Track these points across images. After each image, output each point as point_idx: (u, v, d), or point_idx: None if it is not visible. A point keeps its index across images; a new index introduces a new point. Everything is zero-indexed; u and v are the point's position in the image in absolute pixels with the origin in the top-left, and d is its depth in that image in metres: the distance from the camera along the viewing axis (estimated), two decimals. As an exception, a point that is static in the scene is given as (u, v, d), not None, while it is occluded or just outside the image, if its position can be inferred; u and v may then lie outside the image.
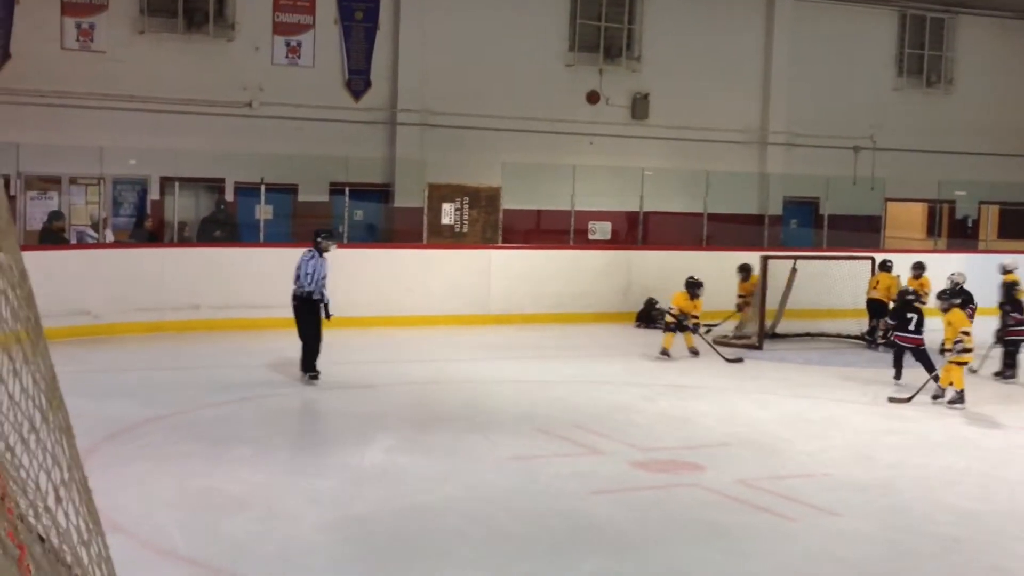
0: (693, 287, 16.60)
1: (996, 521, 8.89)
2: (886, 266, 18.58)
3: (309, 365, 13.67)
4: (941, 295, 14.27)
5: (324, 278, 13.77)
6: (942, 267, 22.98)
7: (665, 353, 16.35)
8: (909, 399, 13.47)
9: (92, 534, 2.46)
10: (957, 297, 14.47)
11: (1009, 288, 16.44)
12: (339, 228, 20.48)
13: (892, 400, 13.60)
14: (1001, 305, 15.86)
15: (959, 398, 13.31)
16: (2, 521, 2.25)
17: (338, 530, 8.11)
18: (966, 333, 13.31)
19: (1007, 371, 15.40)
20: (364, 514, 8.49)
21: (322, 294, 13.76)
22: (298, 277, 13.84)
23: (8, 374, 2.34)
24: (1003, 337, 15.50)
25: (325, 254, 13.94)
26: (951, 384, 13.38)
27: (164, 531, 7.83)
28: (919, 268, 18.18)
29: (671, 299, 16.81)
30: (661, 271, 19.24)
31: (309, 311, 13.71)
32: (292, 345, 16.52)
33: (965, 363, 13.55)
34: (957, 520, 8.85)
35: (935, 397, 13.54)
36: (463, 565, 7.53)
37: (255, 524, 8.15)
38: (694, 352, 16.53)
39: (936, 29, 27.26)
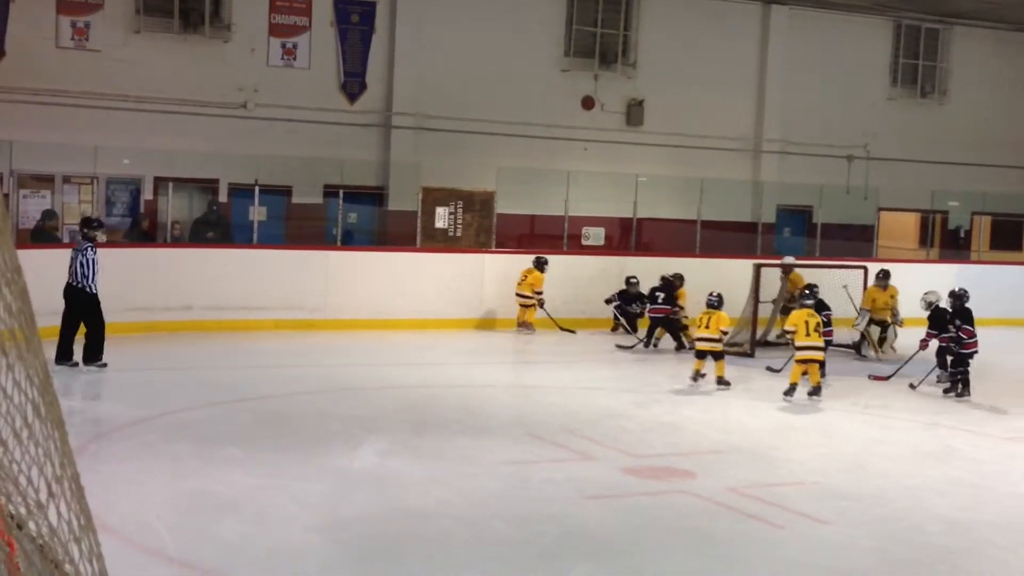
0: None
1: (986, 531, 8.89)
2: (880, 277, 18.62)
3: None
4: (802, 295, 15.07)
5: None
6: (933, 278, 23.10)
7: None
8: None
9: (84, 530, 2.45)
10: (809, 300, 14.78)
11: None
12: (332, 231, 20.49)
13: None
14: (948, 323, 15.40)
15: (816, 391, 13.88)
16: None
17: (329, 533, 8.09)
18: (788, 331, 14.39)
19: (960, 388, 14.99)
20: (355, 517, 8.47)
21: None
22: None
23: (2, 369, 2.33)
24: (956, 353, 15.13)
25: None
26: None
27: (154, 532, 7.80)
28: (885, 277, 18.32)
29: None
30: (655, 277, 19.21)
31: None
32: (284, 347, 16.52)
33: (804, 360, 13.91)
34: (947, 530, 8.85)
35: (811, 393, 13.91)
36: (454, 569, 7.51)
37: (245, 526, 8.13)
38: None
39: (930, 39, 27.32)
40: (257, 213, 19.94)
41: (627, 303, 19.26)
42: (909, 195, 26.00)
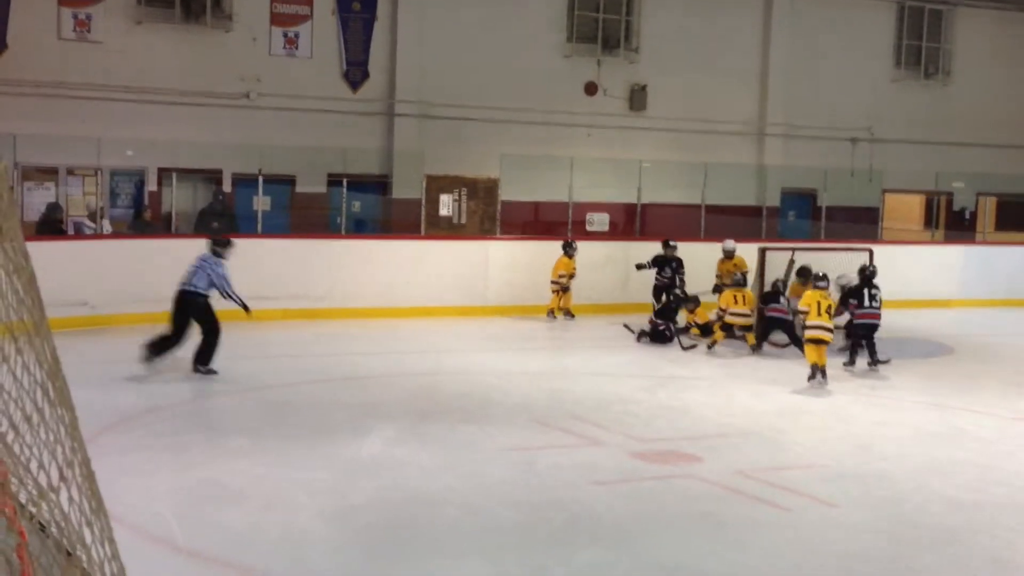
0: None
1: (993, 512, 8.89)
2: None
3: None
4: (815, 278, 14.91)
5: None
6: (939, 259, 23.07)
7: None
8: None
9: (95, 513, 2.46)
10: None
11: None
12: (337, 219, 20.48)
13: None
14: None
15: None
16: (5, 501, 2.25)
17: (336, 521, 8.11)
18: (800, 311, 14.38)
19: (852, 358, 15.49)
20: (362, 505, 8.49)
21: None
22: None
23: (13, 355, 2.33)
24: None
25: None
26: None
27: (162, 521, 7.82)
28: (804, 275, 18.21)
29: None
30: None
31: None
32: (290, 336, 16.55)
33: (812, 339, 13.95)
34: (954, 511, 8.85)
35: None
36: (461, 555, 7.53)
37: (253, 515, 8.15)
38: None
39: (934, 21, 27.25)
40: (261, 203, 19.94)
41: (660, 267, 19.09)
42: (914, 177, 25.98)
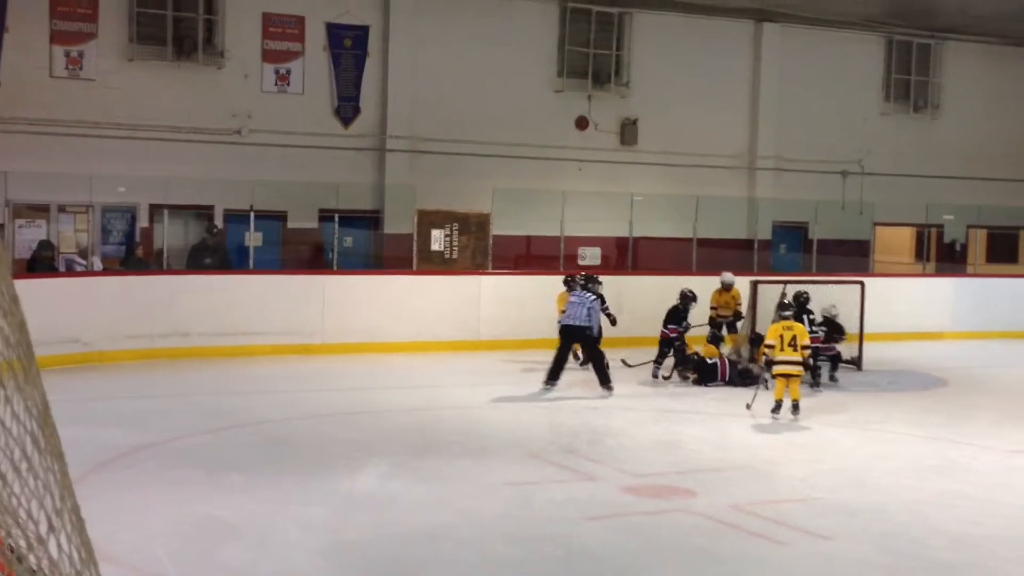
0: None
1: (990, 545, 8.85)
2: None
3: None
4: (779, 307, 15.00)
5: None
6: (930, 292, 23.11)
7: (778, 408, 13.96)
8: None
9: (85, 563, 2.43)
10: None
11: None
12: (328, 255, 20.47)
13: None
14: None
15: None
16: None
17: (332, 556, 8.06)
18: (767, 346, 14.07)
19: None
20: (357, 540, 8.44)
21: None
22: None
23: (3, 403, 2.31)
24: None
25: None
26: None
27: (156, 559, 7.76)
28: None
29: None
30: (652, 296, 19.17)
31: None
32: (281, 372, 16.51)
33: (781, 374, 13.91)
34: (951, 544, 8.82)
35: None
36: (456, 592, 7.48)
37: (248, 551, 8.09)
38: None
39: (922, 55, 27.42)
40: (253, 238, 19.92)
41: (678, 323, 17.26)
42: (904, 210, 26.04)
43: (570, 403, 14.90)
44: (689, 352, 16.92)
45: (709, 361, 16.56)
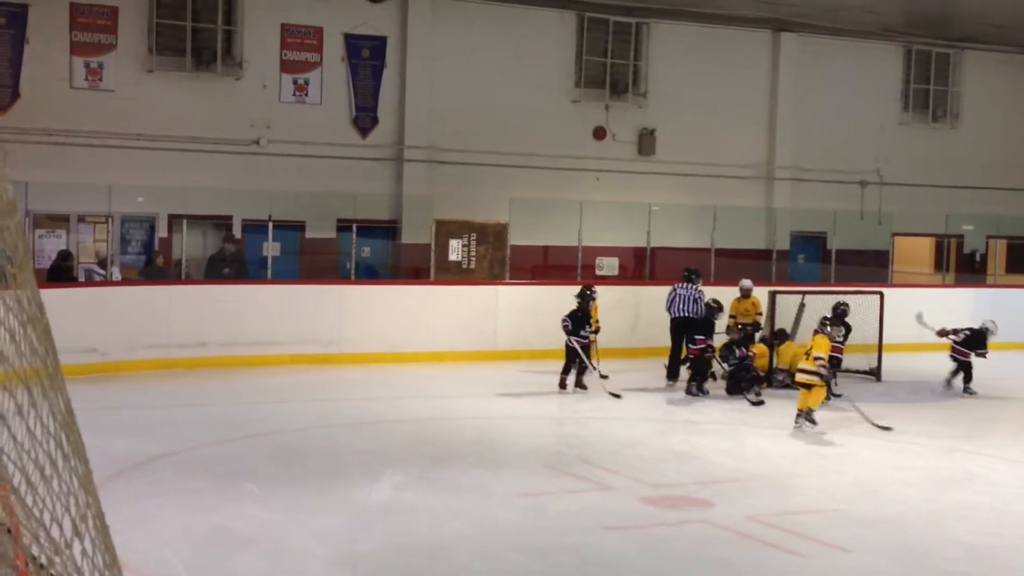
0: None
1: (1007, 556, 8.83)
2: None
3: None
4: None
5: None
6: (949, 302, 23.02)
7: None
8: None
9: (109, 568, 2.45)
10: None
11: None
12: (347, 265, 20.52)
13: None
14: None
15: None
16: (17, 553, 2.24)
17: (346, 567, 8.07)
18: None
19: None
20: (372, 551, 8.45)
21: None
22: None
23: (28, 408, 2.34)
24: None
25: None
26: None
27: (172, 569, 7.80)
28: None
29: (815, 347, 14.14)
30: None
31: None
32: (297, 381, 16.54)
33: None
34: (968, 556, 8.79)
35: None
36: (472, 602, 7.48)
37: (263, 561, 8.12)
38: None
39: (941, 64, 27.35)
40: (271, 249, 19.99)
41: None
42: (923, 220, 25.98)
43: (585, 413, 14.90)
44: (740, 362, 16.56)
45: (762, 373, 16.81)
